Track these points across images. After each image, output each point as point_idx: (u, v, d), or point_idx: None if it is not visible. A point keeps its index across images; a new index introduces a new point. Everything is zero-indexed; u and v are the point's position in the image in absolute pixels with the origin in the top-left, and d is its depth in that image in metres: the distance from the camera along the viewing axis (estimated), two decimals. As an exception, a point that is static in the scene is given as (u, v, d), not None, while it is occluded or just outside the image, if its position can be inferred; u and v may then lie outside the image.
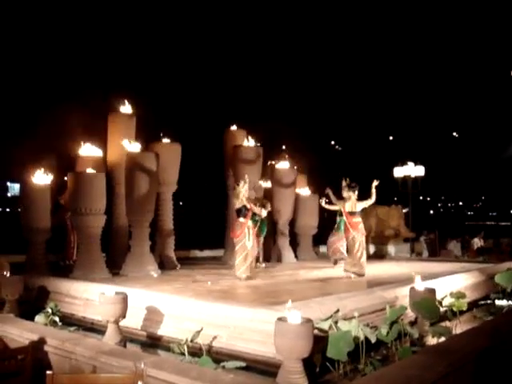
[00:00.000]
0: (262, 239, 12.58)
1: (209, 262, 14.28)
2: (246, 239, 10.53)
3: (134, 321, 7.35)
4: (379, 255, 16.53)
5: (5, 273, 8.78)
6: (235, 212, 10.90)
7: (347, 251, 11.09)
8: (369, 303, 7.37)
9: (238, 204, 10.77)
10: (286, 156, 14.08)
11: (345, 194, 11.02)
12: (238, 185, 11.00)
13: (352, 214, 10.91)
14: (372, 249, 17.09)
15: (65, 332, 7.07)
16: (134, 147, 11.45)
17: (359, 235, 10.86)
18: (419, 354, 5.38)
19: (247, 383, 5.02)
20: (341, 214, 13.02)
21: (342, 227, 12.90)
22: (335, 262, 12.89)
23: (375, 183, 11.01)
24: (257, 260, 12.31)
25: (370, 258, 12.55)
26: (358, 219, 10.94)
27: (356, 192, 10.95)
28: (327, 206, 13.11)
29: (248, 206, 10.73)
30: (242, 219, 10.70)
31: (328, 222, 13.68)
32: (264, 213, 11.68)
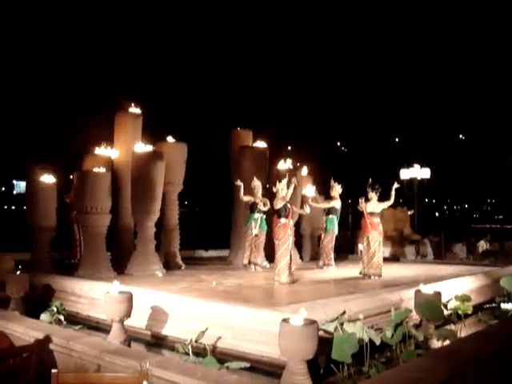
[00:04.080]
0: (263, 238, 12.44)
1: (214, 262, 14.27)
2: (289, 241, 10.11)
3: (138, 320, 7.36)
4: (385, 257, 16.46)
5: (17, 272, 8.78)
6: (275, 213, 10.41)
7: (364, 251, 11.03)
8: (374, 305, 7.35)
9: (278, 204, 10.31)
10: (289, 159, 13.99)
11: (368, 194, 11.08)
12: (275, 184, 10.63)
13: (373, 214, 10.98)
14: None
15: (70, 330, 7.07)
16: (141, 147, 11.48)
17: (378, 235, 10.92)
18: (423, 357, 5.37)
19: (251, 384, 5.02)
20: (327, 213, 13.05)
21: (331, 226, 12.92)
22: (322, 266, 12.87)
23: (396, 186, 11.20)
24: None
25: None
26: (378, 220, 11.04)
27: (378, 193, 11.00)
28: (314, 204, 13.10)
29: (289, 206, 10.28)
30: (283, 220, 10.20)
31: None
32: (308, 210, 11.40)
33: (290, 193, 10.36)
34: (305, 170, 15.08)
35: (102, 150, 12.73)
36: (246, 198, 12.23)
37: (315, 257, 14.48)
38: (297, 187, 10.63)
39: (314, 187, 14.41)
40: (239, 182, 12.15)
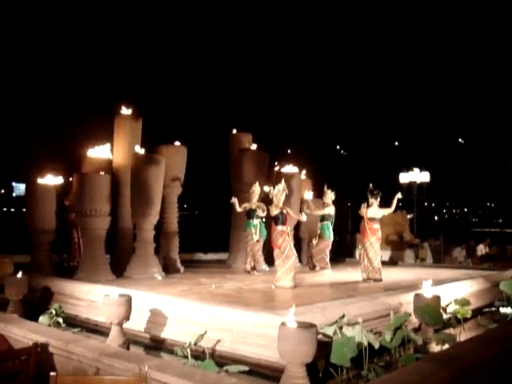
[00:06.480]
0: (262, 242, 12.46)
1: (213, 265, 14.26)
2: (288, 247, 10.05)
3: (137, 323, 7.35)
4: (384, 261, 16.45)
5: (18, 274, 8.75)
6: (272, 219, 10.35)
7: (362, 256, 11.00)
8: (373, 309, 7.34)
9: (274, 211, 10.23)
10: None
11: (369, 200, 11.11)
12: (269, 189, 10.60)
13: (373, 220, 10.99)
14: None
15: (68, 333, 7.07)
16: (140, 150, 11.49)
17: (376, 241, 10.93)
18: (422, 361, 5.36)
19: (250, 387, 5.01)
20: (322, 220, 13.07)
21: (328, 232, 12.94)
22: (313, 268, 12.88)
23: (398, 195, 11.34)
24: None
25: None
26: (377, 226, 11.04)
27: (378, 199, 11.00)
28: (308, 211, 13.09)
29: (285, 212, 10.20)
30: (280, 227, 10.14)
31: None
32: (304, 217, 11.15)
33: (281, 200, 10.27)
34: (304, 175, 15.08)
35: (101, 153, 12.72)
36: (242, 209, 12.18)
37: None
38: (287, 194, 10.56)
39: (311, 192, 14.47)
40: (233, 200, 12.11)
